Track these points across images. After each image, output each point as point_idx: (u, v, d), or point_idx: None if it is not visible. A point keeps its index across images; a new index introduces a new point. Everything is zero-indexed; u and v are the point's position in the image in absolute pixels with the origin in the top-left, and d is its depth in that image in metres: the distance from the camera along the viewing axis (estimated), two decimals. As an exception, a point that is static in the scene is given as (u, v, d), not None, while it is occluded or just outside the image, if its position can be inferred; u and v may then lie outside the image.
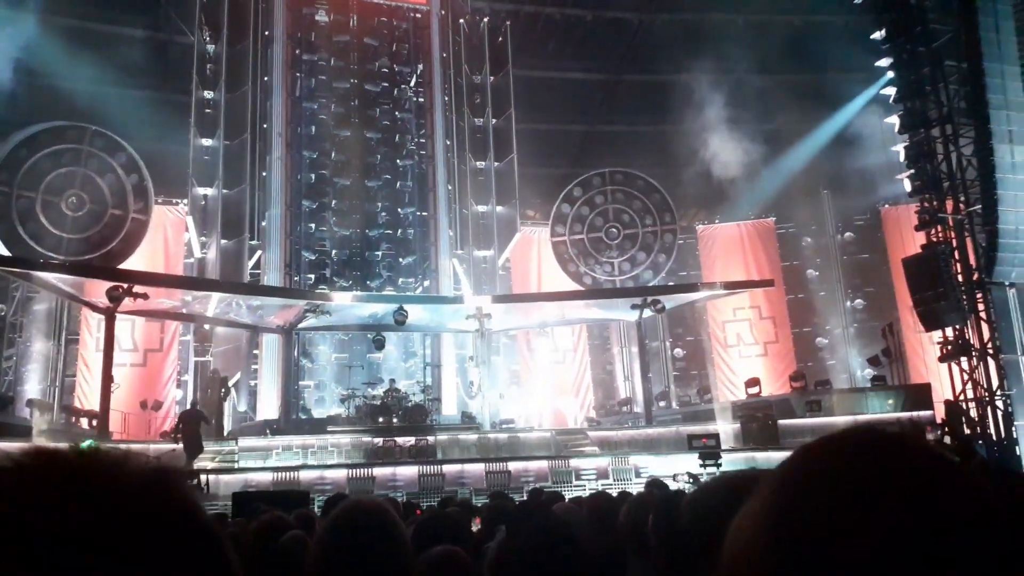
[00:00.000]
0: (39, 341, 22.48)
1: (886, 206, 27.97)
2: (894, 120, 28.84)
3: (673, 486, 12.08)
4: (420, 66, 28.57)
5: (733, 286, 24.53)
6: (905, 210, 25.79)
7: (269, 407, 21.18)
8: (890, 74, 28.52)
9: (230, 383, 21.57)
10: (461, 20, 29.57)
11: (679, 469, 17.00)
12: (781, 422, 20.30)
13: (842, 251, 28.55)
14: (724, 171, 27.20)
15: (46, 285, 20.14)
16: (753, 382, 23.14)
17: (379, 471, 17.71)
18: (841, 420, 19.29)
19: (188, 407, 18.81)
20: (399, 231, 26.98)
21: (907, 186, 26.54)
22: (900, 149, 28.28)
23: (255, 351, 23.31)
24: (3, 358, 22.48)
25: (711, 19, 29.12)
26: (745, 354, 26.88)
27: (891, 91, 29.09)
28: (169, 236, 24.95)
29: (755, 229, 28.63)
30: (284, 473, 16.86)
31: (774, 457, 18.44)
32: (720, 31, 27.72)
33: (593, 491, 15.80)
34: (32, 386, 21.92)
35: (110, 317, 19.80)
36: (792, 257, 28.71)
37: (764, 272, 26.81)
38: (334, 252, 25.86)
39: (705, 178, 27.38)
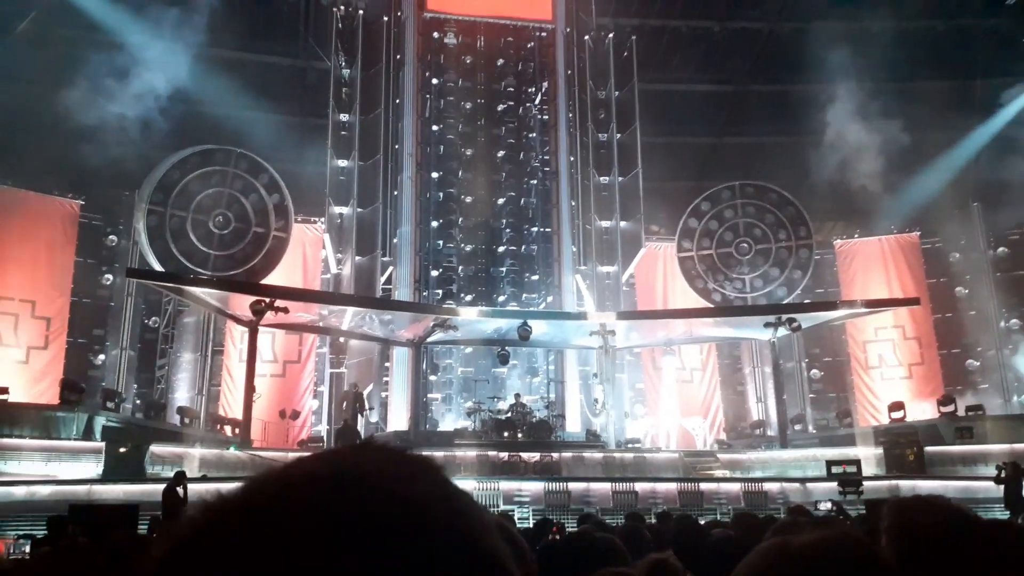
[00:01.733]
0: (188, 352, 23.86)
1: (1044, 219, 26.00)
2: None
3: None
4: (545, 84, 28.77)
5: (875, 304, 23.26)
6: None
7: (399, 418, 21.65)
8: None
9: (364, 395, 22.18)
10: (586, 37, 29.61)
11: (817, 495, 16.23)
12: (928, 449, 19.05)
13: (995, 267, 26.65)
14: (863, 183, 25.98)
15: (195, 299, 21.35)
16: (897, 406, 21.82)
17: (505, 485, 17.72)
18: (995, 448, 17.96)
19: (341, 425, 19.56)
20: (523, 247, 27.17)
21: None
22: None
23: (386, 363, 23.91)
24: (156, 367, 23.97)
25: (843, 27, 27.95)
26: (888, 376, 25.42)
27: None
28: (307, 253, 26.04)
29: (898, 244, 27.14)
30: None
31: (920, 486, 17.32)
32: (854, 38, 26.55)
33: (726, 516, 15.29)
34: (181, 394, 23.27)
35: (253, 330, 20.78)
36: (939, 274, 27.02)
37: (908, 290, 25.32)
38: (460, 268, 26.31)
39: (843, 191, 26.23)
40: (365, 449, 0.65)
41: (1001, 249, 26.95)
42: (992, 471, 15.50)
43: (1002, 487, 15.18)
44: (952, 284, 26.97)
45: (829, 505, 14.67)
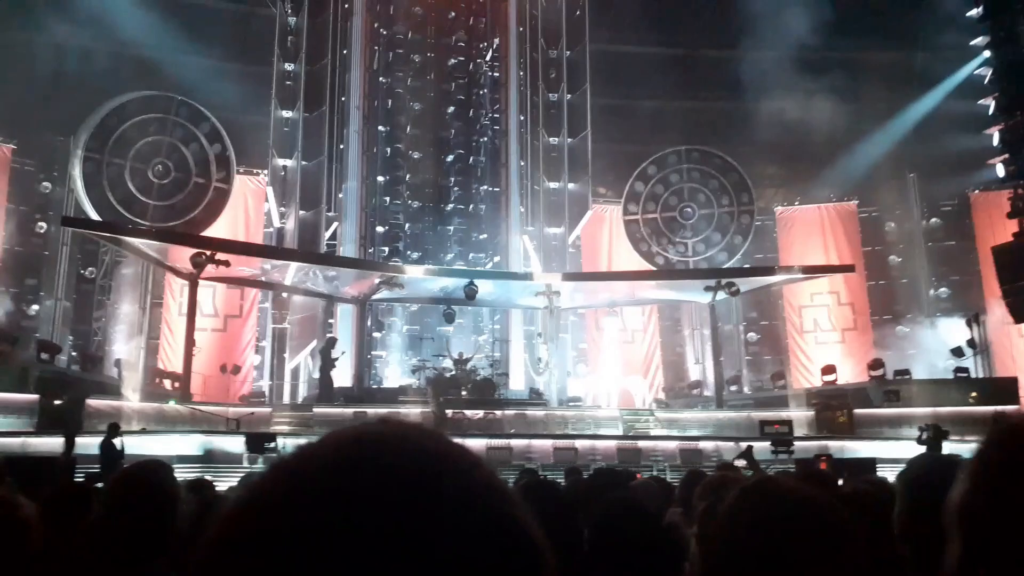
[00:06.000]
0: (126, 304, 23.31)
1: (976, 192, 26.85)
2: (988, 102, 27.65)
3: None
4: (496, 40, 28.46)
5: (812, 270, 23.89)
6: (996, 196, 24.73)
7: (343, 376, 21.59)
8: (986, 54, 27.27)
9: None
10: (540, -7, 29.29)
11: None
12: (857, 411, 19.79)
13: (927, 237, 27.52)
14: (805, 152, 26.46)
15: (134, 250, 20.86)
16: (829, 369, 22.56)
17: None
18: (920, 411, 18.72)
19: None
20: (471, 206, 27.08)
21: (1000, 171, 25.47)
22: (994, 133, 27.13)
23: (330, 320, 23.75)
24: (92, 319, 23.39)
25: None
26: (822, 340, 26.20)
27: (986, 72, 27.88)
28: (250, 205, 25.52)
29: (836, 212, 27.78)
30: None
31: (848, 446, 18.02)
32: (804, 4, 26.78)
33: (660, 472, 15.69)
34: (119, 347, 22.78)
35: (193, 283, 20.40)
36: (874, 242, 27.78)
37: (844, 257, 26.03)
38: (407, 225, 26.13)
39: (785, 159, 26.72)
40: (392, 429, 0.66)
41: (934, 220, 27.81)
42: (916, 432, 16.17)
43: (924, 448, 15.88)
44: (886, 252, 27.78)
45: (743, 462, 15.18)
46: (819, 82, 26.12)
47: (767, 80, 26.49)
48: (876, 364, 22.22)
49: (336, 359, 20.69)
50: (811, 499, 1.41)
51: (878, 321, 26.78)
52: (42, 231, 23.47)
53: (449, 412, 19.39)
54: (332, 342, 21.05)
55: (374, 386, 22.61)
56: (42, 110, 21.48)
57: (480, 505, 0.61)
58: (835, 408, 19.79)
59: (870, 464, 14.64)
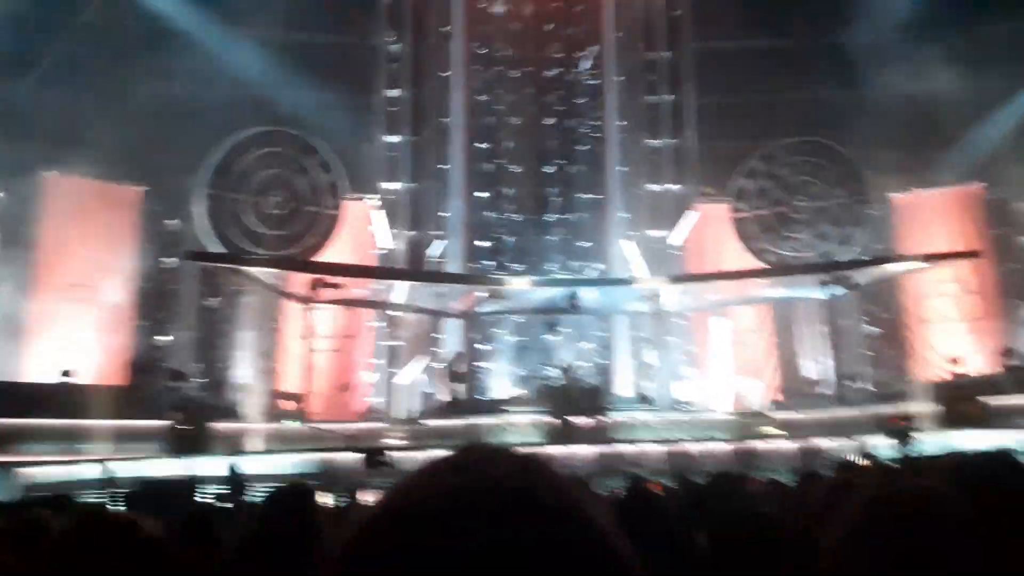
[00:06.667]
0: (246, 331, 24.61)
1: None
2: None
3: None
4: (595, 47, 28.51)
5: (933, 258, 22.62)
6: None
7: (448, 388, 22.07)
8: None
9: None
10: (636, -5, 29.12)
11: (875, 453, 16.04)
12: (989, 401, 18.64)
13: (1060, 216, 25.54)
14: (923, 136, 25.13)
15: (252, 278, 22.07)
16: (956, 360, 21.30)
17: (558, 450, 17.99)
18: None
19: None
20: (572, 215, 27.20)
21: None
22: None
23: (437, 335, 24.34)
24: (215, 347, 24.84)
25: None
26: (948, 331, 24.69)
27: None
28: (358, 229, 26.46)
29: (959, 196, 26.18)
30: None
31: (979, 438, 16.95)
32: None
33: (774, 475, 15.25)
34: (241, 371, 24.06)
35: (309, 307, 21.42)
36: (1002, 225, 26.01)
37: (969, 242, 24.49)
38: (510, 239, 26.50)
39: (901, 144, 25.40)
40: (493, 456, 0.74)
41: (1066, 197, 25.76)
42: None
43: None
44: (1015, 235, 25.95)
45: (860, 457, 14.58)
46: (935, 61, 24.78)
47: (879, 63, 25.41)
48: (1007, 351, 20.86)
49: (464, 373, 21.37)
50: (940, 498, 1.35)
51: (1009, 308, 25.00)
52: (169, 267, 25.09)
53: (559, 421, 19.51)
54: (458, 356, 21.76)
55: (480, 397, 22.97)
56: (166, 152, 23.06)
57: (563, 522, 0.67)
58: (964, 400, 18.70)
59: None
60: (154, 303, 24.06)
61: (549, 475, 0.72)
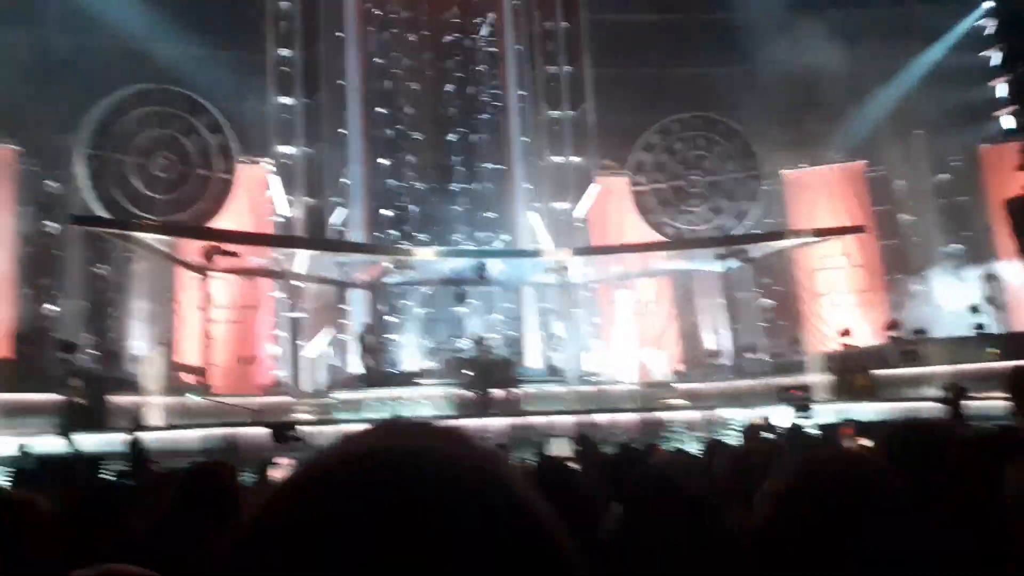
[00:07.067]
0: (138, 300, 23.14)
1: (984, 145, 26.62)
2: (990, 54, 27.42)
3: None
4: (492, 14, 28.17)
5: (823, 233, 23.73)
6: (1006, 149, 24.56)
7: (358, 361, 21.56)
8: (987, 4, 26.98)
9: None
10: (532, -36, 28.94)
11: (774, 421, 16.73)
12: (876, 372, 19.78)
13: (937, 193, 27.30)
14: (809, 114, 26.20)
15: (143, 246, 20.73)
16: (845, 332, 22.50)
17: (470, 423, 17.90)
18: (940, 370, 18.67)
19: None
20: (477, 185, 26.94)
21: (1009, 123, 25.33)
22: (1000, 85, 26.93)
23: (344, 306, 23.67)
24: (108, 316, 23.27)
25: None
26: (837, 303, 26.06)
27: (987, 23, 27.60)
28: (254, 194, 25.27)
29: (844, 173, 27.53)
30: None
31: (869, 408, 18.00)
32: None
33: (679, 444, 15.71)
34: (135, 343, 22.67)
35: (204, 275, 20.34)
36: (884, 201, 27.54)
37: (855, 218, 25.82)
38: (414, 208, 26.01)
39: (789, 121, 26.43)
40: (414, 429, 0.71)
41: (942, 176, 27.56)
42: (936, 392, 16.05)
43: (948, 407, 15.82)
44: (896, 211, 27.58)
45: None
46: (819, 41, 25.78)
47: (766, 42, 26.18)
48: (892, 324, 22.17)
49: (374, 344, 20.94)
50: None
51: (892, 281, 26.62)
52: (52, 231, 23.21)
53: (470, 393, 19.42)
54: (368, 328, 21.24)
55: (391, 371, 22.57)
56: (40, 109, 21.19)
57: (496, 503, 0.64)
58: (853, 371, 19.77)
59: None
60: (38, 269, 22.16)
61: (473, 446, 0.70)
